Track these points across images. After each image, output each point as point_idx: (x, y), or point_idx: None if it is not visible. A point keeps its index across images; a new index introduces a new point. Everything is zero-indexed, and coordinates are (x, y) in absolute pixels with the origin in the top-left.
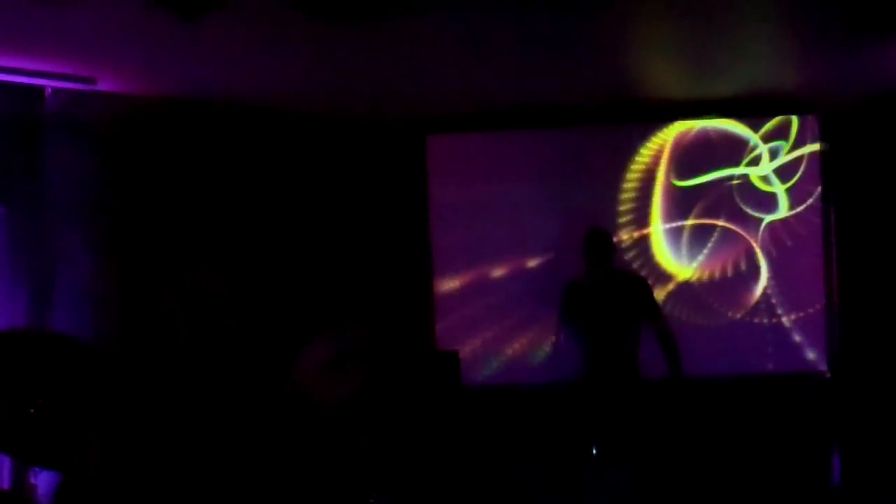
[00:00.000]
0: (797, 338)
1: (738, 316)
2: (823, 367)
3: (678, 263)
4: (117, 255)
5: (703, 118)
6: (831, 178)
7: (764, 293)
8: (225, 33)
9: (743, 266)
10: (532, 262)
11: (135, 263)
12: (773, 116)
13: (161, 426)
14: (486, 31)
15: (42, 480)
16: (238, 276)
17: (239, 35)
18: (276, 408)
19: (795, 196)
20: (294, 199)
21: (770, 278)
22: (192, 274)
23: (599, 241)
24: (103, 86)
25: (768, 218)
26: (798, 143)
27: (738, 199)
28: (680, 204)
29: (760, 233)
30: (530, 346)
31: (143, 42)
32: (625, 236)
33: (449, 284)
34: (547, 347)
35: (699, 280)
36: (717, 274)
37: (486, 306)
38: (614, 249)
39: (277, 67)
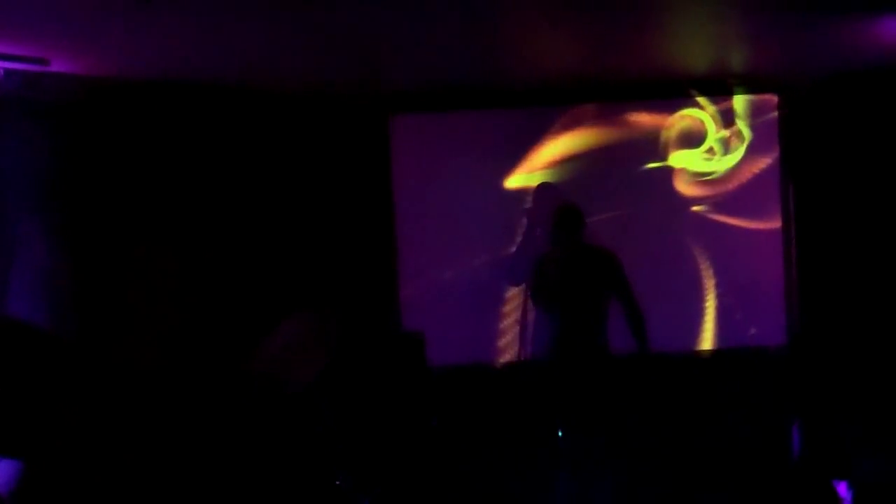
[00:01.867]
0: (756, 313)
1: (697, 292)
2: (783, 341)
3: (640, 242)
4: (74, 239)
5: (663, 98)
6: (790, 155)
7: (723, 269)
8: (181, 12)
9: (702, 243)
10: (499, 241)
11: (92, 248)
12: (732, 95)
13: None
14: (449, 7)
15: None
16: (198, 259)
17: (196, 13)
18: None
19: (754, 171)
20: (254, 180)
21: (729, 254)
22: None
23: (569, 216)
24: (57, 67)
25: (725, 194)
26: (754, 121)
27: (694, 178)
28: (641, 184)
29: (719, 209)
30: (498, 325)
31: (98, 22)
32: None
33: (414, 266)
34: (515, 325)
35: (659, 257)
36: (676, 251)
37: (452, 287)
38: (584, 225)
39: (236, 46)
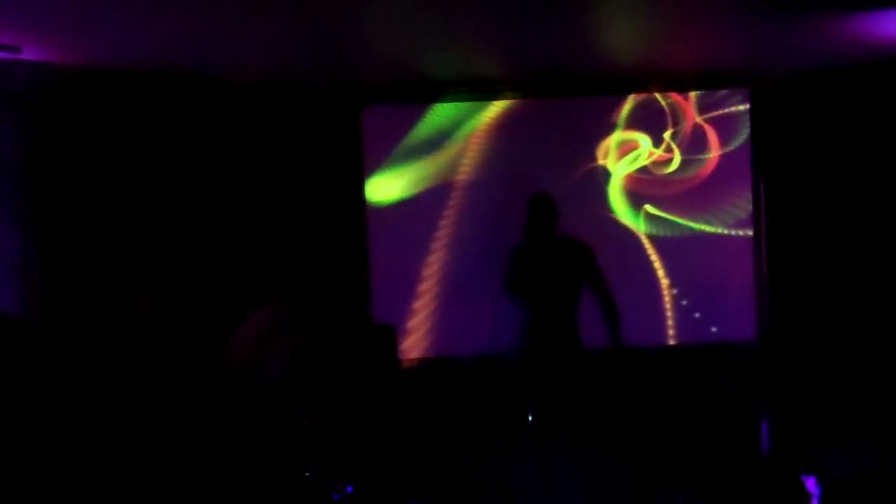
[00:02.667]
0: (726, 309)
1: (668, 288)
2: (752, 336)
3: (612, 237)
4: (45, 227)
5: (640, 92)
6: (760, 151)
7: (694, 265)
8: (158, 1)
9: (672, 238)
10: (470, 233)
11: (63, 237)
12: (704, 90)
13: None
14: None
15: None
16: (170, 250)
17: (168, 3)
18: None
19: (724, 167)
20: (226, 170)
21: (699, 250)
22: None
23: (543, 206)
24: (29, 55)
25: (694, 190)
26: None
27: (664, 172)
28: (607, 179)
29: (688, 205)
30: (470, 317)
31: (70, 10)
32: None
33: (386, 257)
34: (487, 318)
35: (629, 253)
36: (646, 247)
37: (424, 278)
38: (558, 215)
39: (207, 36)
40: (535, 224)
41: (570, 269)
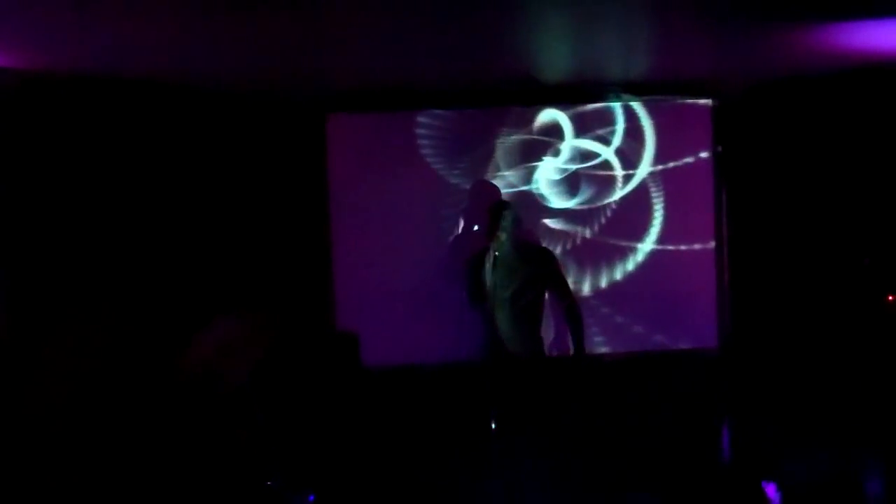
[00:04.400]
0: (688, 316)
1: (631, 295)
2: (714, 344)
3: (577, 243)
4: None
5: (601, 102)
6: (723, 160)
7: (656, 273)
8: (119, 7)
9: (635, 247)
10: (435, 241)
11: (22, 244)
12: (669, 100)
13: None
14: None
15: None
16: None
17: (133, 9)
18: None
19: (686, 175)
20: (189, 178)
21: (662, 258)
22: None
23: (503, 213)
24: None
25: (658, 198)
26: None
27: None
28: (576, 186)
29: (650, 213)
30: (433, 325)
31: (34, 16)
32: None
33: (350, 265)
34: (450, 325)
35: (592, 259)
36: (609, 254)
37: (387, 287)
38: (519, 222)
39: (172, 42)
40: (496, 231)
41: (532, 275)
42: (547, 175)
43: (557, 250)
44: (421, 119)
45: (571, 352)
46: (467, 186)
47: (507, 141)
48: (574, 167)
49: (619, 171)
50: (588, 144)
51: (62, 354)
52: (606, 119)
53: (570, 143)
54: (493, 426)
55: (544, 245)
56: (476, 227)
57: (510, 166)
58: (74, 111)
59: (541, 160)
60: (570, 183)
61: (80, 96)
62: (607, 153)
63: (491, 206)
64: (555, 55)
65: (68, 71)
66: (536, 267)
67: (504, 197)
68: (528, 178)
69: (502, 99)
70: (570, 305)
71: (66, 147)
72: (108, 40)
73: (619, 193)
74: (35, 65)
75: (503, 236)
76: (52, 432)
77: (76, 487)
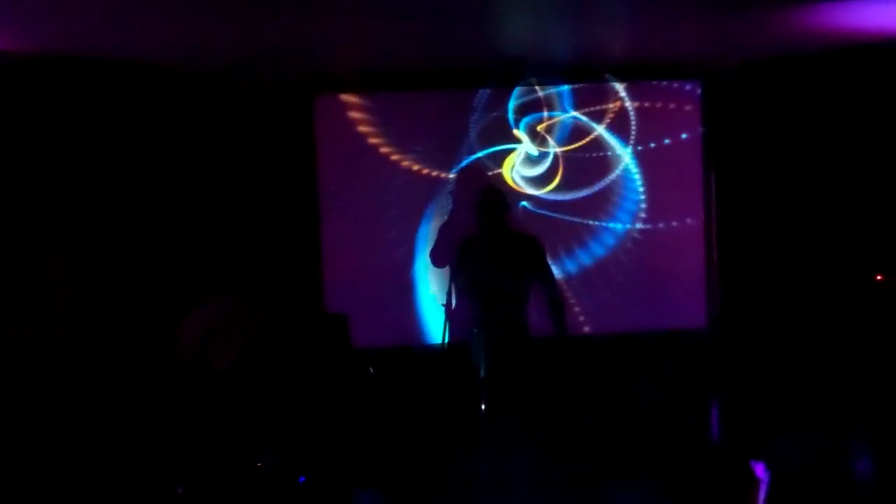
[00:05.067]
0: (677, 296)
1: (619, 275)
2: (703, 324)
3: (565, 223)
4: None
5: (589, 82)
6: (711, 140)
7: (645, 252)
8: None
9: (624, 227)
10: (423, 223)
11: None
12: (656, 81)
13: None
14: None
15: None
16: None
17: None
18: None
19: (676, 156)
20: (176, 160)
21: (651, 238)
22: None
23: (493, 199)
24: None
25: (646, 179)
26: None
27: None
28: (563, 167)
29: (638, 194)
30: (422, 307)
31: None
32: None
33: (339, 246)
34: (439, 308)
35: (580, 239)
36: (597, 233)
37: (376, 268)
38: (508, 208)
39: (153, 22)
40: (484, 217)
41: (519, 262)
42: (531, 156)
43: (544, 231)
44: (410, 100)
45: (554, 335)
46: (455, 169)
47: (494, 122)
48: (562, 149)
49: (606, 152)
50: (576, 124)
51: (48, 345)
52: (595, 100)
53: (559, 121)
54: (483, 407)
55: (533, 234)
56: (465, 213)
57: (493, 146)
58: (57, 94)
59: (529, 141)
60: (557, 164)
61: (63, 78)
62: (595, 133)
63: (481, 191)
64: (543, 36)
65: (49, 52)
66: (525, 255)
67: (490, 181)
68: (515, 160)
69: (489, 81)
70: (555, 300)
71: (49, 131)
72: (90, 22)
73: (607, 174)
74: (17, 46)
75: (491, 222)
76: (42, 423)
77: (64, 469)
